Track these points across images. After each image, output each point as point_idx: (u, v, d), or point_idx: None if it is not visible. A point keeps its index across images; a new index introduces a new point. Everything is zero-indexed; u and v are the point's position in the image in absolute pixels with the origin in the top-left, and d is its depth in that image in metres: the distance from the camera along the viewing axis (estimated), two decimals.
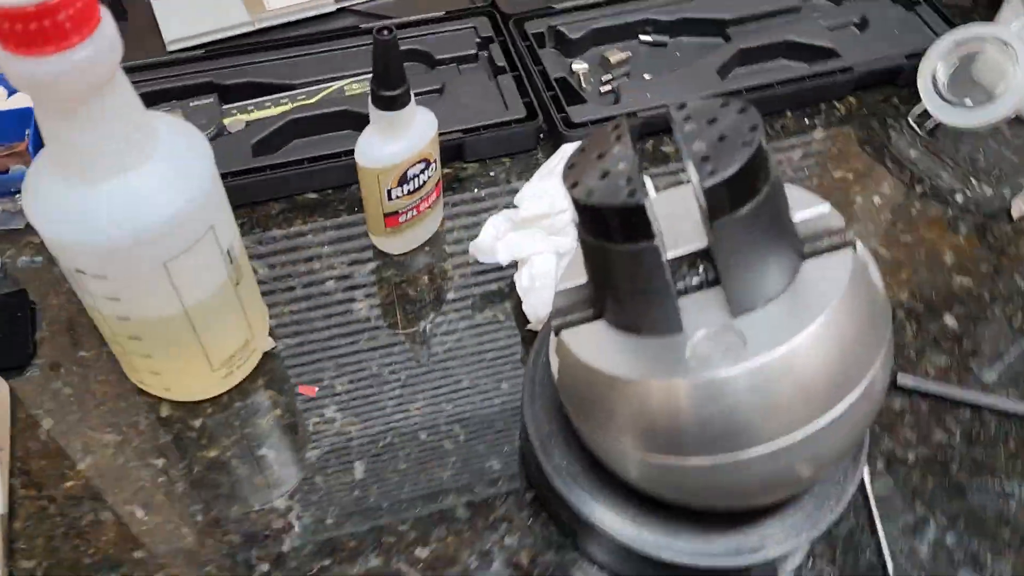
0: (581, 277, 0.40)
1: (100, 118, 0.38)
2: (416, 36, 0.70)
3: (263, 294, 0.58)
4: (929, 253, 0.60)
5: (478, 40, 0.70)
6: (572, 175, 0.36)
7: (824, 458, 0.38)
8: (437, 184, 0.57)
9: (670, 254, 0.37)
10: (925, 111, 0.66)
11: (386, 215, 0.56)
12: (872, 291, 0.38)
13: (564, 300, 0.41)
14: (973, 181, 0.65)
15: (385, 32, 0.48)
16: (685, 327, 0.37)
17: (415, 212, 0.57)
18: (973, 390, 0.53)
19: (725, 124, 0.34)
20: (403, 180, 0.54)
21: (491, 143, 0.64)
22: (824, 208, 0.40)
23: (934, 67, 0.65)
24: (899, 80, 0.70)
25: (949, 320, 0.57)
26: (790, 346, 0.34)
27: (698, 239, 0.38)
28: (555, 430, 0.46)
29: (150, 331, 0.47)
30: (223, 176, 0.59)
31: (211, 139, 0.63)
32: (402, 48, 0.69)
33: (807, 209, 0.40)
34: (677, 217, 0.39)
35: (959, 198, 0.64)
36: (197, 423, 0.52)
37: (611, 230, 0.35)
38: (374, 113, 0.51)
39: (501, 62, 0.68)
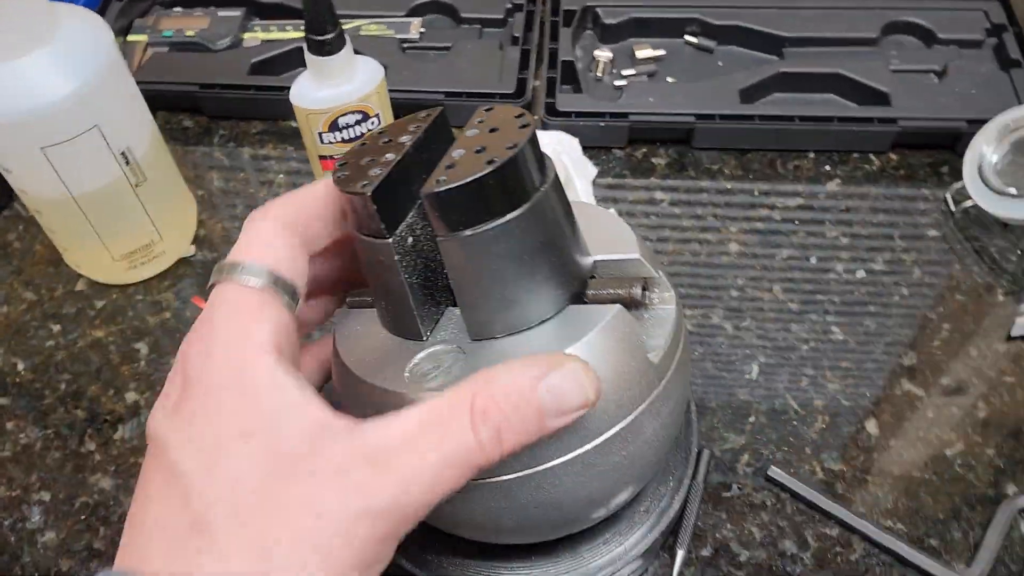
0: None
1: None
2: None
3: (208, 205, 0.61)
4: (888, 346, 0.52)
5: (509, 6, 0.68)
6: (356, 153, 0.34)
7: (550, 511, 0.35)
8: None
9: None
10: (965, 189, 0.56)
11: (320, 157, 0.56)
12: (631, 350, 0.34)
13: None
14: (986, 280, 0.55)
15: None
16: (430, 337, 0.35)
17: None
18: (853, 509, 0.46)
19: (501, 135, 0.32)
20: (334, 127, 0.54)
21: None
22: (633, 255, 0.36)
23: (988, 142, 0.55)
24: (957, 146, 0.60)
25: (872, 426, 0.49)
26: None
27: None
28: None
29: (46, 208, 0.51)
30: (213, 87, 0.64)
31: (223, 49, 0.66)
32: None
33: (617, 253, 0.36)
34: None
35: (959, 297, 0.54)
36: (100, 304, 0.56)
37: (355, 218, 0.34)
38: (307, 56, 0.52)
39: (518, 32, 0.65)
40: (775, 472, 0.47)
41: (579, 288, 0.34)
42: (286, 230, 0.30)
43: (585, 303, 0.33)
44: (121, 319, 0.55)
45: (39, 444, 0.50)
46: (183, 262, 0.58)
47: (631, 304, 0.33)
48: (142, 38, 0.68)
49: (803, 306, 0.54)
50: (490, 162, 0.29)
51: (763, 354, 0.52)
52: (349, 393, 0.34)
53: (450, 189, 0.29)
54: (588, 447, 0.33)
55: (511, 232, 0.31)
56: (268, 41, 0.67)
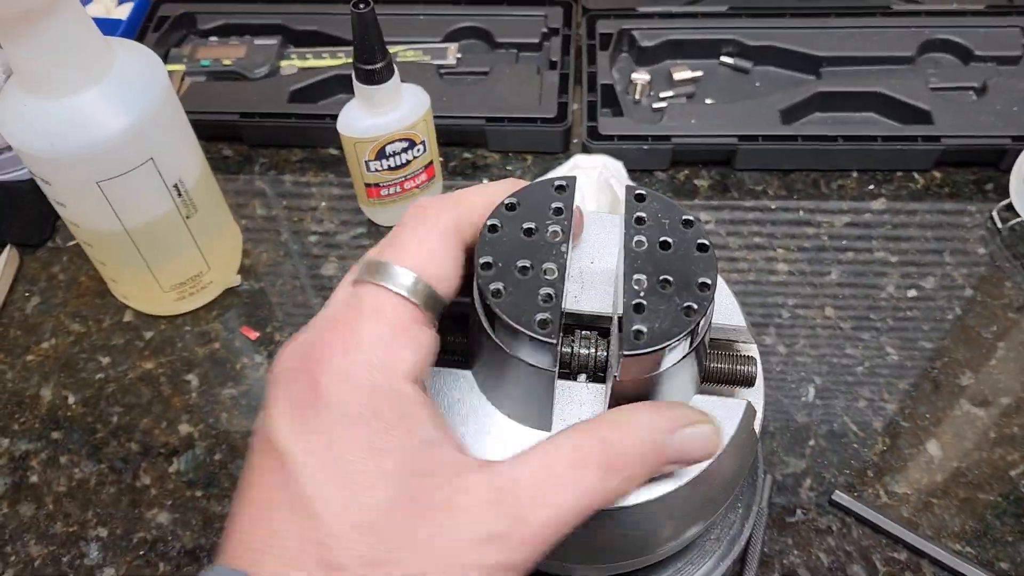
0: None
1: (45, 39, 0.42)
2: (485, 15, 0.69)
3: (252, 233, 0.60)
4: (946, 366, 0.52)
5: (544, 30, 0.68)
6: (492, 247, 0.29)
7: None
8: (428, 166, 0.57)
9: (573, 306, 0.32)
10: (1011, 205, 0.56)
11: (367, 185, 0.56)
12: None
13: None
14: None
15: (362, 4, 0.48)
16: (553, 422, 0.33)
17: (399, 189, 0.57)
18: (921, 532, 0.45)
19: (675, 262, 0.29)
20: (381, 155, 0.54)
21: (516, 137, 0.62)
22: (739, 323, 0.35)
23: None
24: (1001, 163, 0.60)
25: (933, 447, 0.49)
26: None
27: (606, 303, 0.33)
28: None
29: (98, 241, 0.51)
30: (253, 116, 0.64)
31: (261, 78, 0.67)
32: (467, 25, 0.69)
33: (722, 318, 0.35)
34: (601, 245, 0.34)
35: (1011, 315, 0.54)
36: (148, 335, 0.56)
37: (512, 339, 0.29)
38: (356, 85, 0.52)
39: (556, 56, 0.66)
40: (840, 496, 0.47)
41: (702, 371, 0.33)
42: (450, 237, 0.28)
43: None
44: (170, 350, 0.55)
45: (94, 479, 0.50)
46: (229, 292, 0.58)
47: (743, 382, 0.33)
48: (179, 67, 0.68)
49: (856, 326, 0.54)
50: (687, 310, 0.28)
51: (818, 376, 0.52)
52: None
53: (652, 350, 0.28)
54: (675, 487, 0.32)
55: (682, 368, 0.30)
56: (305, 69, 0.67)
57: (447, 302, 0.28)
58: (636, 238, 0.30)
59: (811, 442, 0.49)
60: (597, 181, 0.55)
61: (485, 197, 0.29)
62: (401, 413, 0.25)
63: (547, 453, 0.26)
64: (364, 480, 0.24)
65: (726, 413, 0.32)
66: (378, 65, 0.50)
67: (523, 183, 0.31)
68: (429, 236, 0.28)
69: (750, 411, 0.33)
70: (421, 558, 0.24)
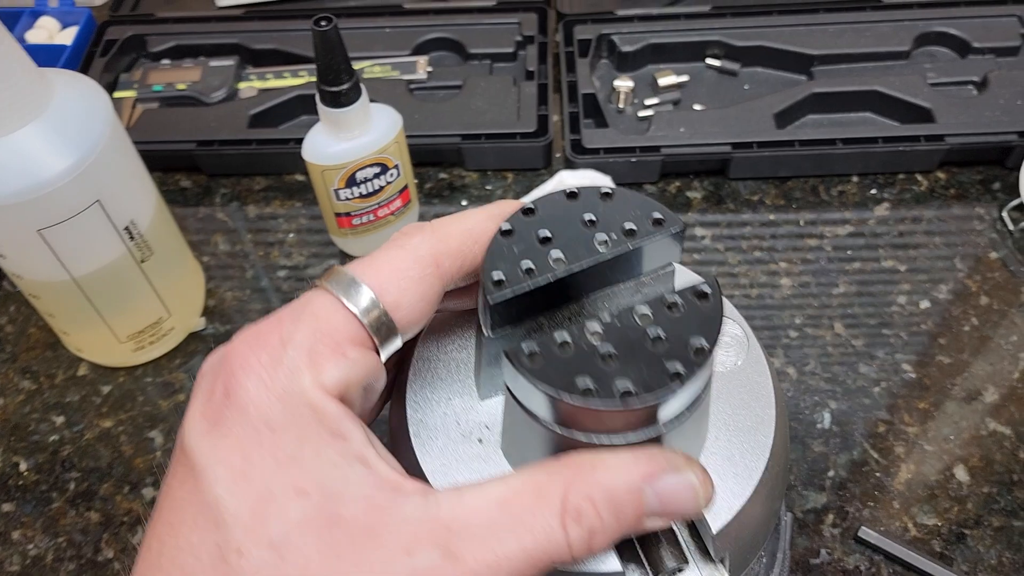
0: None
1: None
2: (455, 25, 0.65)
3: (215, 271, 0.56)
4: (967, 382, 0.49)
5: (519, 38, 0.64)
6: (505, 255, 0.25)
7: None
8: (403, 191, 0.53)
9: None
10: (1022, 205, 0.53)
11: (337, 215, 0.52)
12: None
13: None
14: None
15: (323, 22, 0.43)
16: None
17: (372, 217, 0.53)
18: (956, 568, 0.42)
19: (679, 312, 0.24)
20: (352, 182, 0.50)
21: (494, 154, 0.58)
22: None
23: None
24: (1007, 160, 0.57)
25: (961, 473, 0.45)
26: None
27: None
28: None
29: (44, 293, 0.46)
30: (211, 144, 0.59)
31: (218, 102, 0.62)
32: (437, 36, 0.65)
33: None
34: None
35: None
36: (106, 389, 0.51)
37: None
38: (320, 108, 0.47)
39: (532, 66, 0.62)
40: (866, 533, 0.43)
41: None
42: (432, 267, 0.25)
43: None
44: (130, 405, 0.51)
45: (51, 555, 0.45)
46: (193, 337, 0.53)
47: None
48: (130, 94, 0.63)
49: (869, 343, 0.50)
50: (698, 352, 0.23)
51: (833, 400, 0.48)
52: None
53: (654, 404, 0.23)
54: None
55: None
56: (265, 90, 0.63)
57: (401, 333, 0.25)
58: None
59: (830, 473, 0.46)
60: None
61: (467, 225, 0.26)
62: (321, 425, 0.22)
63: (500, 488, 0.23)
64: (277, 492, 0.22)
65: (750, 449, 0.28)
66: (344, 86, 0.46)
67: (513, 203, 0.27)
68: (403, 260, 0.25)
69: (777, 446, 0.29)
70: None
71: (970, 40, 0.61)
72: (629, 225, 0.25)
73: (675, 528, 0.25)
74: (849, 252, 0.55)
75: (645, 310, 0.23)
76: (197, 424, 0.23)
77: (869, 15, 0.63)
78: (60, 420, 0.50)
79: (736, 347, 0.32)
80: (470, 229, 0.26)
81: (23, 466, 0.49)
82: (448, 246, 0.25)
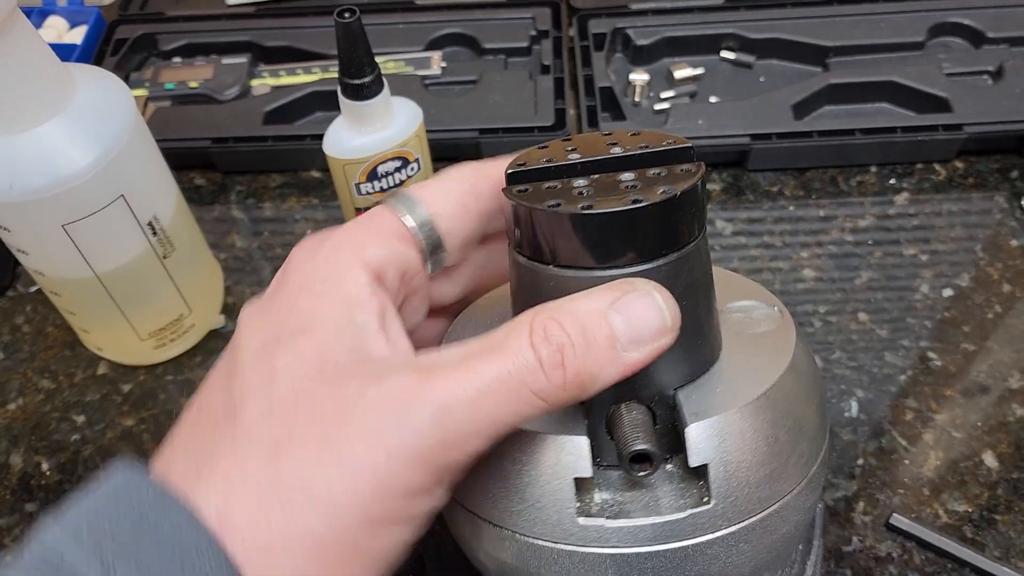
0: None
1: None
2: (468, 20, 0.65)
3: (233, 270, 0.56)
4: (992, 368, 0.49)
5: (533, 33, 0.64)
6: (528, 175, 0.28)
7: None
8: None
9: None
10: None
11: (357, 209, 0.52)
12: (813, 376, 0.31)
13: None
14: None
15: (347, 14, 0.43)
16: None
17: None
18: (988, 553, 0.42)
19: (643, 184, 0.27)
20: (373, 176, 0.50)
21: (513, 148, 0.57)
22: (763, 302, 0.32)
23: None
24: None
25: (989, 459, 0.45)
26: (720, 422, 0.27)
27: None
28: None
29: (66, 290, 0.46)
30: (226, 141, 0.59)
31: (232, 99, 0.62)
32: (450, 31, 0.65)
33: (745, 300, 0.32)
34: None
35: None
36: (127, 388, 0.51)
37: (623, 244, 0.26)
38: (342, 101, 0.47)
39: (548, 60, 0.62)
40: (898, 520, 0.43)
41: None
42: (471, 191, 0.28)
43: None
44: (152, 403, 0.50)
45: None
46: (214, 335, 0.53)
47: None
48: (142, 92, 0.63)
49: (893, 332, 0.50)
50: (664, 194, 0.25)
51: (860, 388, 0.48)
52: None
53: (679, 194, 0.25)
54: (753, 520, 0.29)
55: (700, 255, 0.27)
56: (278, 87, 0.63)
57: (445, 249, 0.29)
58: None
59: (860, 461, 0.46)
60: None
61: (499, 169, 0.29)
62: (340, 286, 0.25)
63: (475, 340, 0.24)
64: (283, 346, 0.24)
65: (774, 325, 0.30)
66: (367, 79, 0.46)
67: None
68: (448, 183, 0.29)
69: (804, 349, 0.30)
70: (313, 427, 0.23)
71: (984, 30, 0.62)
72: (643, 143, 0.28)
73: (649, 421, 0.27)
74: (870, 241, 0.54)
75: (629, 175, 0.26)
76: (252, 302, 0.27)
77: (883, 6, 0.63)
78: (81, 419, 0.50)
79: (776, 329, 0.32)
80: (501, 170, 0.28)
81: (45, 466, 0.48)
82: (487, 178, 0.29)
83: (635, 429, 0.26)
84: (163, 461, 0.25)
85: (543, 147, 0.29)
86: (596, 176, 0.27)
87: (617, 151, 0.27)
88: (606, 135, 0.29)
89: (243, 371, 0.24)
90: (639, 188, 0.25)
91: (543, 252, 0.26)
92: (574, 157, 0.27)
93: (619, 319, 0.24)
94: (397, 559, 0.24)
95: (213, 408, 0.25)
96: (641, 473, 0.26)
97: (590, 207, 0.25)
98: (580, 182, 0.26)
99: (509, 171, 0.27)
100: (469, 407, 0.22)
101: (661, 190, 0.25)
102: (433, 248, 0.28)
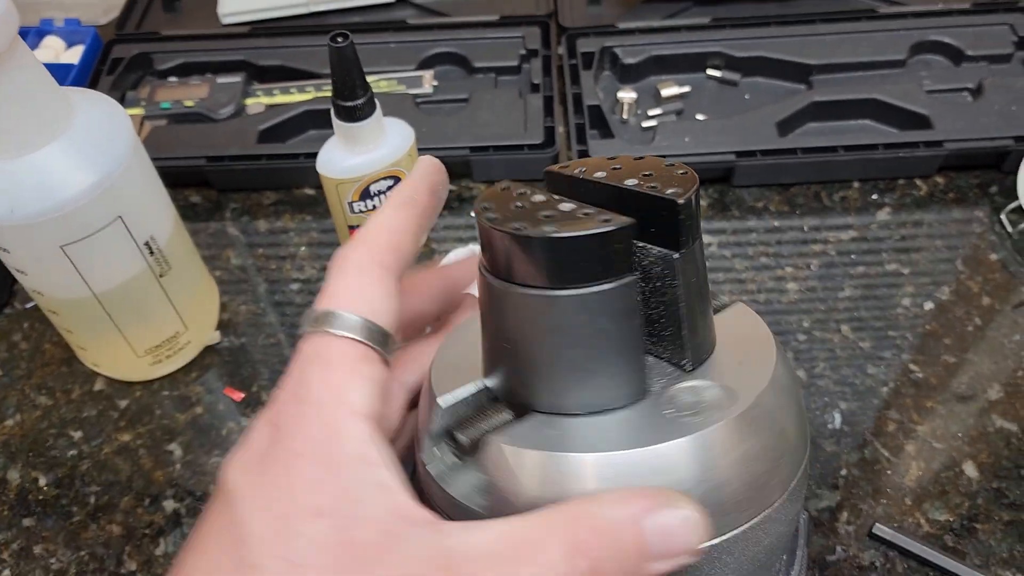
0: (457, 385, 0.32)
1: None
2: (459, 39, 0.66)
3: (228, 285, 0.57)
4: (973, 380, 0.50)
5: (523, 52, 0.65)
6: (494, 212, 0.28)
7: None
8: None
9: None
10: (1021, 207, 0.55)
11: (350, 227, 0.53)
12: (793, 390, 0.32)
13: (450, 417, 0.31)
14: None
15: (340, 39, 0.44)
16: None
17: None
18: (969, 562, 0.43)
19: (637, 166, 0.28)
20: (366, 195, 0.51)
21: (502, 166, 0.59)
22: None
23: None
24: (1004, 164, 0.58)
25: (970, 469, 0.46)
26: (704, 437, 0.27)
27: None
28: None
29: (64, 309, 0.47)
30: (221, 159, 0.60)
31: (227, 118, 0.63)
32: (442, 50, 0.66)
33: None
34: None
35: None
36: (123, 404, 0.52)
37: (575, 268, 0.27)
38: (335, 122, 0.48)
39: (537, 79, 0.63)
40: (880, 529, 0.44)
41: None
42: (378, 268, 0.28)
43: None
44: (148, 419, 0.51)
45: (73, 569, 0.45)
46: (209, 351, 0.54)
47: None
48: (138, 111, 0.64)
49: (875, 344, 0.51)
50: (684, 174, 0.27)
51: (843, 400, 0.49)
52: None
53: (688, 198, 0.26)
54: (735, 532, 0.29)
55: (697, 257, 0.28)
56: (272, 106, 0.64)
57: (392, 336, 0.27)
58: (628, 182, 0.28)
59: (843, 472, 0.47)
60: None
61: (396, 221, 0.29)
62: (348, 456, 0.24)
63: (505, 523, 0.24)
64: (298, 514, 0.23)
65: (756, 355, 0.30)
66: (360, 101, 0.47)
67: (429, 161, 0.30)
68: (353, 272, 0.28)
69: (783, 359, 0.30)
70: None
71: (964, 48, 0.63)
72: (647, 170, 0.28)
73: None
74: (853, 256, 0.56)
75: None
76: (240, 462, 0.25)
77: (865, 25, 0.65)
78: (78, 435, 0.51)
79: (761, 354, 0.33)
80: (386, 223, 0.28)
81: (42, 481, 0.49)
82: (379, 246, 0.28)
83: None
84: None
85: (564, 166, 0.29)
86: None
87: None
88: (611, 159, 0.29)
89: (254, 555, 0.23)
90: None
91: (515, 273, 0.26)
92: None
93: (653, 534, 0.24)
94: None
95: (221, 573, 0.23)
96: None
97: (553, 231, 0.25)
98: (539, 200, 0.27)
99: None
100: None
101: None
102: (386, 344, 0.27)
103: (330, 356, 0.26)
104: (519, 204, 0.27)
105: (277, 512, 0.23)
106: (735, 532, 0.30)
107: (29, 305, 0.57)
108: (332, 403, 0.25)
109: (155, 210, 0.46)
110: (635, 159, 0.30)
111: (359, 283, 0.27)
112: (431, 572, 0.22)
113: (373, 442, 0.24)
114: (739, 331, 0.33)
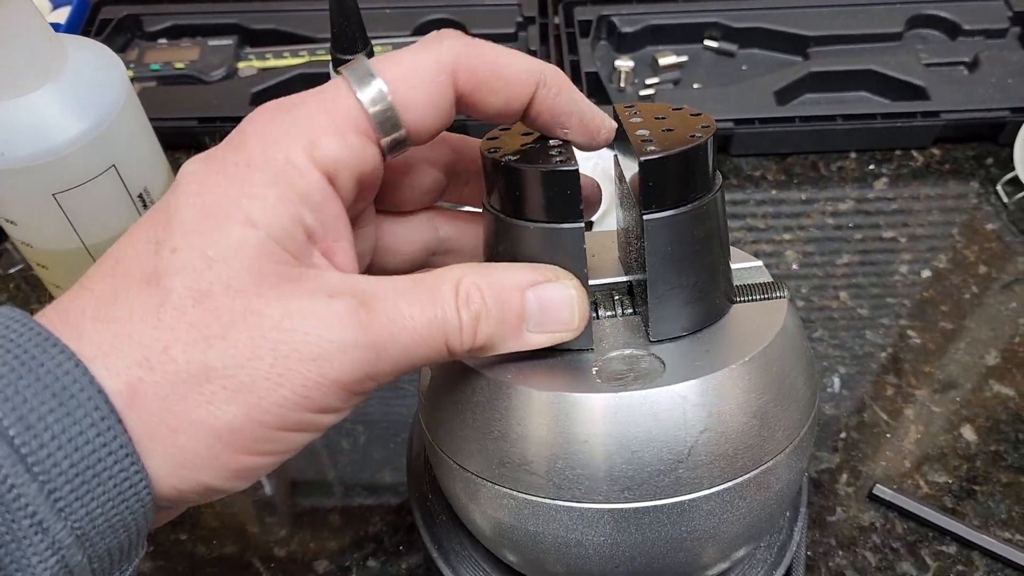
0: None
1: None
2: (455, 6, 0.65)
3: None
4: (970, 346, 0.50)
5: (519, 19, 0.65)
6: (492, 142, 0.29)
7: (725, 538, 0.31)
8: None
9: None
10: (1017, 178, 0.55)
11: None
12: (803, 345, 0.32)
13: None
14: None
15: None
16: (596, 348, 0.30)
17: None
18: (968, 523, 0.43)
19: (675, 121, 0.29)
20: None
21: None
22: (756, 263, 0.33)
23: None
24: (1000, 136, 0.59)
25: (968, 432, 0.47)
26: (714, 380, 0.28)
27: (616, 274, 0.32)
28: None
29: (54, 262, 0.45)
30: (214, 121, 0.59)
31: (218, 80, 0.62)
32: (438, 16, 0.65)
33: (739, 263, 0.33)
34: (593, 253, 0.33)
35: None
36: None
37: (532, 203, 0.28)
38: (333, 76, 0.47)
39: (534, 46, 0.62)
40: (880, 490, 0.44)
41: (731, 290, 0.31)
42: (444, 72, 0.25)
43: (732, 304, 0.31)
44: None
45: None
46: None
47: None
48: (127, 74, 0.62)
49: (874, 311, 0.51)
50: (694, 137, 0.27)
51: (842, 365, 0.49)
52: (496, 409, 0.29)
53: (671, 155, 0.26)
54: (747, 476, 0.29)
55: (706, 217, 0.28)
56: (264, 70, 0.63)
57: (408, 135, 0.26)
58: (632, 119, 0.29)
59: (842, 435, 0.47)
60: (594, 173, 0.52)
61: (503, 59, 0.26)
62: (294, 185, 0.23)
63: (407, 277, 0.25)
64: (229, 216, 0.23)
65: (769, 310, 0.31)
66: (359, 54, 0.46)
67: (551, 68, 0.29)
68: (422, 61, 0.25)
69: (792, 314, 0.31)
70: (257, 332, 0.22)
71: (960, 22, 0.63)
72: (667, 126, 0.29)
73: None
74: (850, 225, 0.56)
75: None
76: (200, 157, 0.24)
77: None
78: None
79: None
80: (505, 64, 0.26)
81: None
82: (471, 63, 0.25)
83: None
84: (59, 309, 0.23)
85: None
86: None
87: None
88: (628, 107, 0.30)
89: (175, 240, 0.23)
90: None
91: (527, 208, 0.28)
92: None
93: (534, 302, 0.26)
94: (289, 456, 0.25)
95: (133, 269, 0.23)
96: None
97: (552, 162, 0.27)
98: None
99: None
100: (400, 349, 0.24)
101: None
102: (395, 145, 0.25)
103: (334, 106, 0.24)
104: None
105: (213, 209, 0.23)
106: (746, 476, 0.29)
107: (14, 269, 0.55)
108: (302, 136, 0.24)
109: (149, 162, 0.45)
110: (674, 109, 0.30)
111: (420, 72, 0.25)
112: (345, 294, 0.23)
113: (323, 193, 0.24)
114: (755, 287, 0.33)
